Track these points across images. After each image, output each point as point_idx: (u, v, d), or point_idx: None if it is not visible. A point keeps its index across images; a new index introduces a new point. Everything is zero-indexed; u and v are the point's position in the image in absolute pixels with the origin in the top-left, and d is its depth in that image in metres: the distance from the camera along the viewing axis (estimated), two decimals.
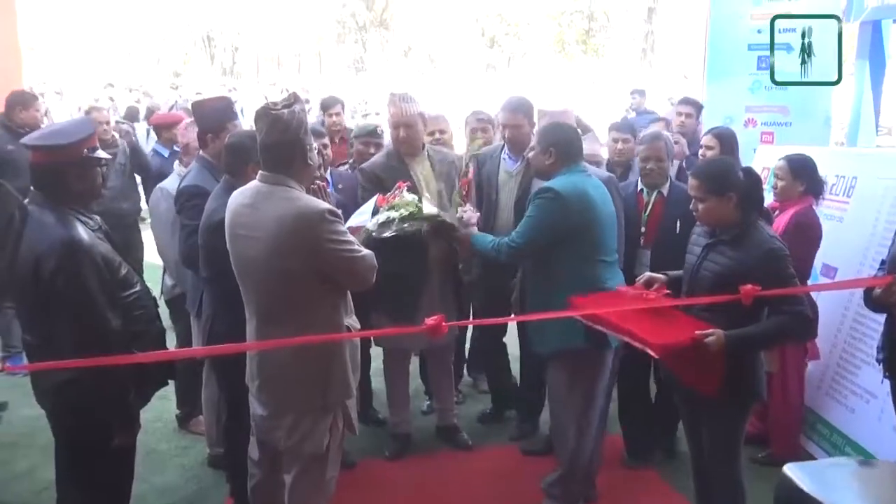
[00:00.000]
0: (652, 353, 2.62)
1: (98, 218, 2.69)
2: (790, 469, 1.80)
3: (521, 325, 4.04)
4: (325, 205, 2.63)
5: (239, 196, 2.70)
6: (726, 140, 4.54)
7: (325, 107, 6.12)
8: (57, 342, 2.48)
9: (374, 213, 3.51)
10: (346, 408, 2.79)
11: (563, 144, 3.26)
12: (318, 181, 2.90)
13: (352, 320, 2.79)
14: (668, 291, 2.89)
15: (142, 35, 30.91)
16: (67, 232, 2.48)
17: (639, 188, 3.87)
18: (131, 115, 11.59)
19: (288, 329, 2.58)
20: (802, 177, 3.81)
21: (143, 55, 31.24)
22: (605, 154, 4.78)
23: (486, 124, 4.80)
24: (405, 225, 3.38)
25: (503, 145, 4.11)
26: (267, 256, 2.56)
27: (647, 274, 3.04)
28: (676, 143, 4.76)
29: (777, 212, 3.79)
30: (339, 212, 2.71)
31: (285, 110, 2.56)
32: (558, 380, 3.29)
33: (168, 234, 3.95)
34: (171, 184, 4.00)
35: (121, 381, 2.53)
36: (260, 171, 2.65)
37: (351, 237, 2.70)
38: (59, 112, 12.20)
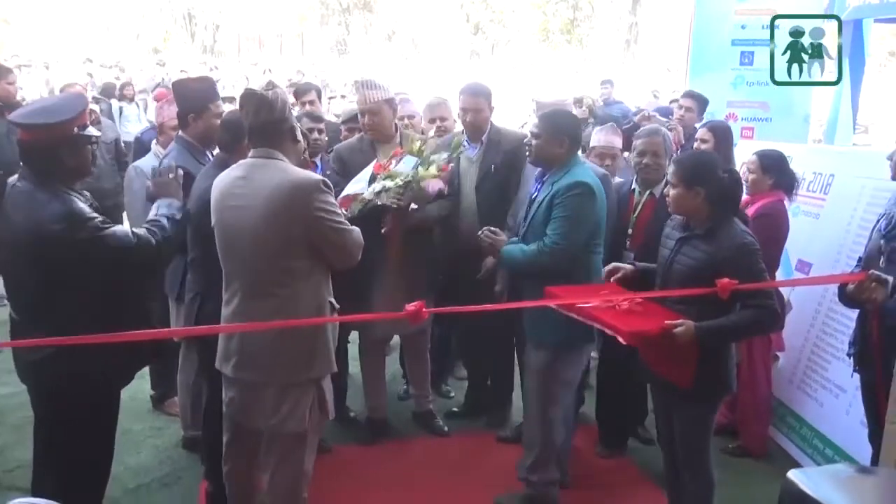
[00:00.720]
0: (621, 340, 2.65)
1: (88, 194, 2.67)
2: (794, 475, 1.87)
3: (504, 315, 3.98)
4: (320, 176, 2.74)
5: (231, 171, 2.75)
6: (721, 134, 4.57)
7: (299, 94, 5.28)
8: (47, 316, 2.45)
9: (371, 181, 3.50)
10: (321, 390, 2.80)
11: (576, 135, 3.25)
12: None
13: (332, 299, 2.81)
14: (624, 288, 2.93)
15: (121, 10, 30.31)
16: (66, 206, 2.46)
17: (632, 187, 3.79)
18: (107, 92, 11.38)
19: (274, 303, 2.63)
20: (771, 171, 3.86)
21: (122, 31, 30.64)
22: None
23: (445, 113, 4.71)
24: (400, 192, 3.43)
25: (461, 133, 4.11)
26: (258, 226, 2.60)
27: (614, 264, 3.07)
28: (672, 129, 4.76)
29: (749, 206, 3.84)
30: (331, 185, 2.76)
31: (269, 91, 2.67)
32: (540, 368, 3.29)
33: (141, 212, 3.88)
34: (146, 163, 3.91)
35: (105, 359, 2.50)
36: (252, 150, 2.73)
37: (341, 210, 2.78)
38: (27, 86, 11.94)
